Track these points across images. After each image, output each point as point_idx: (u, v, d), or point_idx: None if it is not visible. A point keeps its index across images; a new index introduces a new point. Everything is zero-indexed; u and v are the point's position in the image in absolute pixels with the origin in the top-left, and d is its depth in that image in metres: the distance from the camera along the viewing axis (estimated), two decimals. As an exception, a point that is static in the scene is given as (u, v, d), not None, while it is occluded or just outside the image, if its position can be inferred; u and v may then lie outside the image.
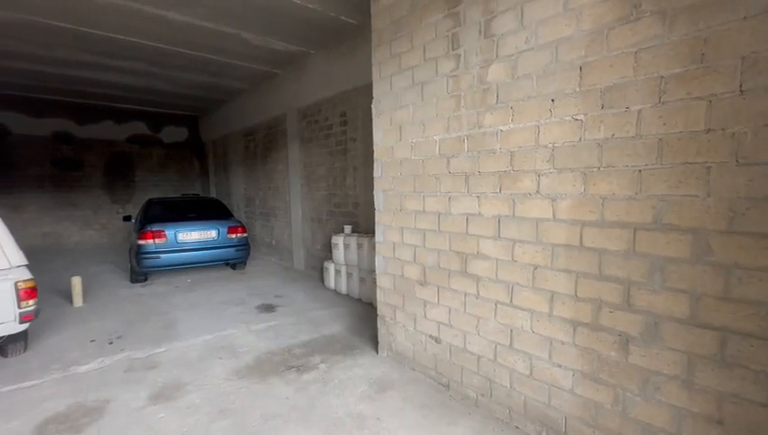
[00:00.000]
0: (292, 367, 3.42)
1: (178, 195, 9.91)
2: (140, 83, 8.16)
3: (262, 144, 8.47)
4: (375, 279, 4.73)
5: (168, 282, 6.44)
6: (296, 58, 6.65)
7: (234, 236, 6.63)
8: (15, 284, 3.12)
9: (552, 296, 2.26)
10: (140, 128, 11.24)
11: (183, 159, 12.16)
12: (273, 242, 8.35)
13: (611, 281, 2.00)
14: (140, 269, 6.03)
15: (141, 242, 5.88)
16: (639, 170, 1.87)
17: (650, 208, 1.85)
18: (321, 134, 6.47)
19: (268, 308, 5.06)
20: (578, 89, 2.07)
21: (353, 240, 5.34)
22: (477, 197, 2.64)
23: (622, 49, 1.89)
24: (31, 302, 3.22)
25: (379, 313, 3.62)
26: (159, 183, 11.64)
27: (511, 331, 2.51)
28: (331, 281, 5.87)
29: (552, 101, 2.18)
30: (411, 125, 3.09)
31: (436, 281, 3.01)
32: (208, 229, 6.41)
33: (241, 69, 7.24)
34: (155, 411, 2.79)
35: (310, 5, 4.66)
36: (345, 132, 5.91)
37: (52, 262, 8.05)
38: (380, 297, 3.58)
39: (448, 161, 2.82)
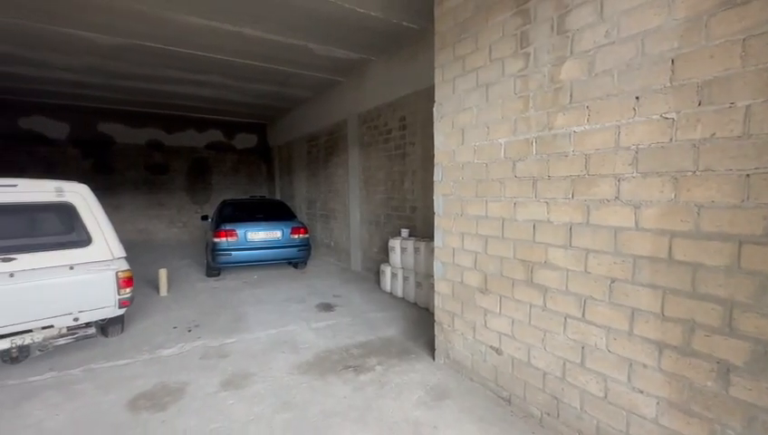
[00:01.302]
0: (350, 367, 3.49)
1: (247, 197, 10.68)
2: (218, 95, 8.96)
3: (323, 149, 8.83)
4: (432, 284, 4.68)
5: (237, 277, 6.94)
6: (357, 65, 6.83)
7: (296, 236, 6.97)
8: (116, 273, 3.57)
9: (633, 313, 2.05)
10: (217, 135, 12.33)
11: (252, 164, 13.10)
12: (332, 243, 8.64)
13: (708, 300, 1.76)
14: (215, 265, 6.58)
15: (216, 240, 6.43)
16: (747, 175, 1.62)
17: (761, 219, 1.59)
18: (380, 139, 6.57)
19: (327, 307, 5.23)
20: (668, 84, 1.86)
21: (410, 244, 5.33)
22: (546, 202, 2.48)
23: (726, 37, 1.66)
24: (128, 290, 3.66)
25: (436, 319, 3.56)
26: (232, 186, 12.65)
27: (582, 348, 2.32)
28: (386, 284, 5.91)
29: (637, 98, 1.98)
30: (474, 128, 3.01)
31: (499, 289, 2.88)
32: (274, 229, 6.82)
33: (306, 78, 7.62)
34: (225, 398, 3.01)
35: (372, 13, 4.77)
36: (404, 137, 5.94)
37: (143, 255, 9.09)
38: (438, 303, 3.52)
39: (514, 165, 2.69)
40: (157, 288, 5.89)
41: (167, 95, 8.96)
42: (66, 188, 3.52)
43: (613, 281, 2.13)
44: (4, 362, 3.24)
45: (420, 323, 4.57)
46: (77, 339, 3.51)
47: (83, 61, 6.50)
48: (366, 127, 6.99)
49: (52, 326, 3.30)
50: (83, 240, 3.52)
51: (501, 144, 2.79)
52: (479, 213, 3.01)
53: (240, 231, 6.54)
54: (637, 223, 2.02)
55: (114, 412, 2.81)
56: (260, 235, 6.71)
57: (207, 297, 5.72)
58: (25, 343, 3.18)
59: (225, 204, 7.55)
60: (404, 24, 5.09)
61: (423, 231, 5.55)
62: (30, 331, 3.20)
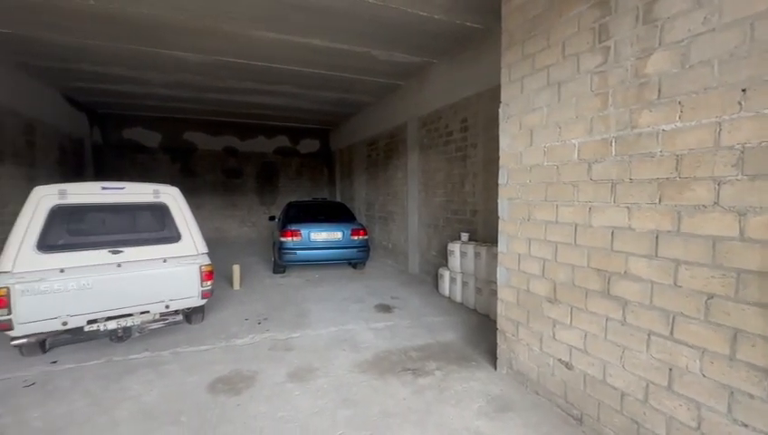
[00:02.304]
0: (409, 369, 3.50)
1: (310, 199, 11.22)
2: (287, 103, 9.55)
3: (383, 152, 8.98)
4: (493, 290, 4.53)
5: (300, 275, 7.31)
6: (418, 69, 6.86)
7: (356, 237, 7.17)
8: (200, 267, 3.97)
9: (736, 335, 1.80)
10: (284, 141, 13.14)
11: (315, 168, 13.74)
12: (390, 245, 8.74)
13: (839, 326, 1.49)
14: (281, 262, 7.01)
15: (282, 239, 6.84)
16: None
17: None
18: (440, 141, 6.52)
19: (385, 308, 5.30)
20: (786, 73, 1.61)
21: (470, 248, 5.21)
22: (627, 208, 2.28)
23: None
24: (209, 282, 4.05)
25: (498, 327, 3.44)
26: (296, 188, 13.39)
27: (670, 370, 2.09)
28: (445, 288, 5.83)
29: (743, 91, 1.75)
30: (544, 129, 2.87)
31: (570, 300, 2.70)
32: (335, 231, 7.08)
33: (368, 83, 7.83)
34: (291, 389, 3.18)
35: (436, 16, 4.76)
36: (465, 139, 5.84)
37: (217, 251, 9.96)
38: (501, 311, 3.39)
39: (590, 167, 2.51)
40: (230, 282, 6.41)
41: (241, 105, 9.76)
42: (161, 190, 4.00)
43: (710, 297, 1.89)
44: (112, 340, 3.76)
45: (480, 330, 4.45)
46: (167, 324, 3.97)
47: (176, 77, 7.33)
48: (426, 130, 6.98)
49: (148, 312, 3.76)
50: (174, 236, 3.97)
51: (574, 145, 2.62)
52: (548, 218, 2.86)
53: (304, 231, 6.89)
54: (741, 232, 1.77)
55: (197, 393, 3.11)
56: (322, 235, 7.01)
57: (274, 293, 6.10)
58: (128, 325, 3.66)
59: (290, 205, 8.01)
60: (467, 24, 5.01)
61: (484, 235, 5.39)
62: (131, 315, 3.68)
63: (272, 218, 9.01)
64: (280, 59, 6.40)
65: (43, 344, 3.57)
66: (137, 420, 2.74)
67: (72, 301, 3.35)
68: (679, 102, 2.00)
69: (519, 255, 3.16)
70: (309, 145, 13.57)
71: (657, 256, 2.13)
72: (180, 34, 5.34)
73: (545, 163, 2.87)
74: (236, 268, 6.31)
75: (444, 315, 5.01)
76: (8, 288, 3.09)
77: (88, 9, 4.55)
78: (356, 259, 7.37)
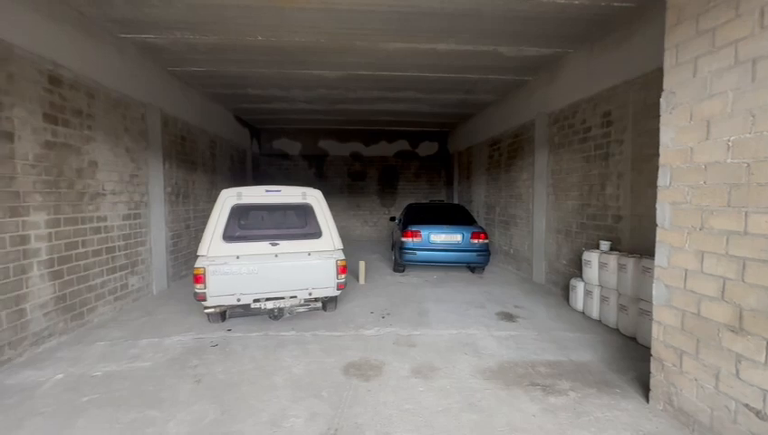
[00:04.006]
0: (537, 385, 3.27)
1: (427, 201, 11.41)
2: (409, 108, 9.93)
3: (506, 153, 8.56)
4: (643, 310, 3.90)
5: (419, 275, 7.51)
6: (549, 61, 6.33)
7: (476, 241, 7.01)
8: (336, 261, 4.46)
9: None
10: (404, 145, 13.67)
11: (433, 170, 13.92)
12: (512, 251, 8.27)
13: None
14: (401, 261, 7.32)
15: (403, 239, 7.13)
16: None
17: None
18: (574, 139, 5.90)
19: (508, 317, 5.06)
20: None
21: (612, 259, 4.57)
22: None
23: None
24: (342, 276, 4.51)
25: (653, 353, 2.94)
26: (414, 191, 13.78)
27: None
28: (577, 301, 5.24)
29: None
30: (728, 118, 2.34)
31: (764, 332, 2.15)
32: (455, 233, 7.06)
33: (492, 82, 7.57)
34: (415, 384, 3.30)
35: (576, 1, 4.33)
36: (608, 134, 5.15)
37: (344, 248, 10.93)
38: (657, 335, 2.89)
39: (803, 164, 1.95)
40: (356, 277, 6.98)
41: (367, 113, 10.54)
42: (308, 192, 4.64)
43: None
44: (270, 318, 4.52)
45: (624, 354, 3.87)
46: (309, 309, 4.57)
47: (316, 93, 8.35)
48: (557, 127, 6.40)
49: (296, 297, 4.39)
50: (316, 233, 4.56)
51: (777, 137, 2.07)
52: (732, 228, 2.32)
53: (424, 233, 7.05)
54: None
55: (334, 373, 3.49)
56: (442, 237, 7.07)
57: (395, 290, 6.41)
58: (281, 306, 4.34)
59: (411, 207, 8.29)
60: (615, 4, 4.41)
61: (630, 245, 4.67)
62: (283, 298, 4.35)
63: (392, 219, 9.48)
64: (404, 67, 6.69)
65: (223, 315, 4.52)
66: (289, 387, 3.23)
67: (244, 282, 4.15)
68: None
69: (685, 270, 2.65)
70: (427, 148, 13.82)
71: None
72: (321, 55, 6.07)
73: (729, 161, 2.34)
74: (362, 264, 6.84)
75: (577, 331, 4.52)
76: (204, 268, 4.00)
77: (256, 43, 5.55)
78: (475, 263, 7.21)
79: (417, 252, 7.01)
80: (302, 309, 4.50)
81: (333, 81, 7.45)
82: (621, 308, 4.45)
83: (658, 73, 2.98)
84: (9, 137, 3.57)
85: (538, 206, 6.97)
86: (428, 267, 8.02)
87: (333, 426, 2.70)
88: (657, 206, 2.87)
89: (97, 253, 4.77)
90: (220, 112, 9.41)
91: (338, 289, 4.51)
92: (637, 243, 4.56)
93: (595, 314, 4.91)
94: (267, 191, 4.53)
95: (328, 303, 4.88)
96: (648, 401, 2.98)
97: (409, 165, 13.81)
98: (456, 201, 12.43)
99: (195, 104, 7.82)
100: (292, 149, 13.38)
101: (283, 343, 4.15)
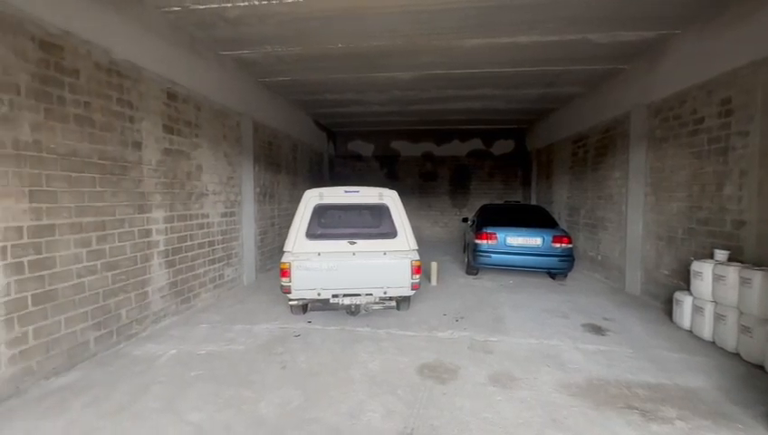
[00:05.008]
0: (635, 408, 2.93)
1: (502, 202, 10.92)
2: (484, 106, 9.60)
3: (593, 149, 7.83)
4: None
5: (493, 279, 7.22)
6: (649, 46, 5.63)
7: (558, 245, 6.52)
8: (411, 262, 4.49)
9: None
10: (477, 144, 13.26)
11: (508, 169, 13.28)
12: (599, 257, 7.54)
13: None
14: (474, 264, 7.11)
15: (477, 241, 6.92)
16: None
17: None
18: (681, 132, 5.17)
19: (596, 329, 4.62)
20: None
21: (732, 272, 3.91)
22: None
23: None
24: (417, 276, 4.52)
25: (792, 387, 2.45)
26: (487, 191, 13.29)
27: None
28: (683, 318, 4.59)
29: None
30: None
31: None
32: (534, 236, 6.65)
33: (577, 73, 6.98)
34: (493, 392, 3.18)
35: (687, -25, 3.79)
36: (727, 125, 4.42)
37: (415, 248, 10.97)
38: (799, 365, 2.40)
39: None
40: (428, 278, 6.95)
41: (440, 112, 10.42)
42: (384, 193, 4.75)
43: None
44: (347, 313, 4.72)
45: (748, 384, 3.29)
46: (384, 308, 4.67)
47: (390, 95, 8.51)
48: (659, 119, 5.66)
49: (371, 295, 4.51)
50: (392, 233, 4.64)
51: None
52: None
53: (500, 235, 6.76)
54: None
55: (408, 372, 3.52)
56: (519, 240, 6.71)
57: (468, 293, 6.25)
58: (358, 303, 4.50)
59: (485, 208, 8.01)
60: (740, -27, 3.77)
61: (756, 255, 3.96)
62: (359, 295, 4.50)
63: (464, 220, 9.26)
64: (480, 63, 6.48)
65: (305, 307, 4.84)
66: (365, 382, 3.33)
67: (324, 278, 4.38)
68: None
69: (843, 290, 2.15)
70: (503, 146, 13.23)
71: None
72: (397, 57, 6.15)
73: None
74: (434, 265, 6.79)
75: (682, 352, 3.96)
76: (290, 263, 4.32)
77: (336, 51, 5.82)
78: (557, 269, 6.71)
79: (492, 255, 6.75)
80: (377, 307, 4.61)
81: (407, 82, 7.50)
82: (744, 330, 3.79)
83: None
84: (138, 146, 4.23)
85: (633, 208, 6.25)
86: (503, 271, 7.66)
87: (410, 425, 2.72)
88: (801, 210, 2.38)
89: (201, 246, 5.43)
90: (301, 118, 10.06)
91: (412, 289, 4.54)
92: (766, 253, 3.85)
93: (707, 334, 4.25)
94: (346, 192, 4.74)
95: (402, 302, 4.94)
96: (783, 443, 2.50)
97: (483, 164, 13.35)
98: (533, 202, 11.71)
99: (280, 111, 8.48)
100: (366, 151, 13.78)
101: (358, 338, 4.30)
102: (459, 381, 3.35)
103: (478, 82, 7.56)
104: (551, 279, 7.19)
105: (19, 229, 3.02)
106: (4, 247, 2.92)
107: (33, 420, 2.75)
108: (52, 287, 3.29)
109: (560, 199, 9.71)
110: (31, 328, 3.12)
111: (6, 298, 2.94)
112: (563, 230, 6.85)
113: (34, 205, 3.13)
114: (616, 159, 6.89)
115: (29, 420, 2.74)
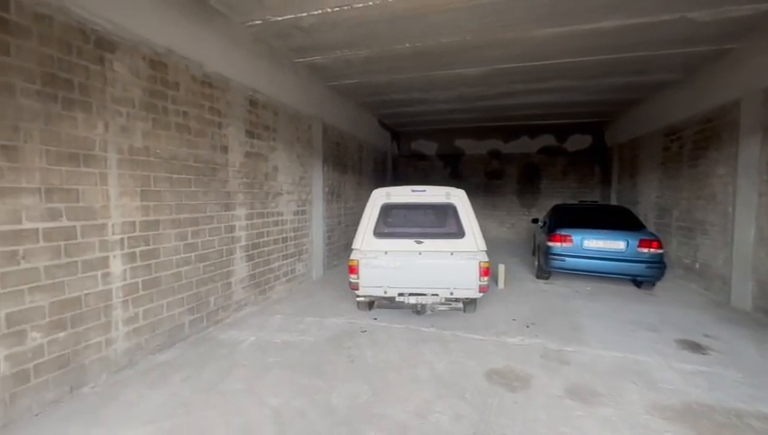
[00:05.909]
0: (749, 442, 2.53)
1: (577, 202, 10.11)
2: (557, 99, 8.96)
3: (690, 143, 6.90)
4: None
5: (567, 284, 6.72)
6: (765, 22, 4.80)
7: (646, 250, 5.87)
8: (479, 263, 4.35)
9: None
10: (549, 140, 12.45)
11: (584, 167, 12.27)
12: (696, 265, 6.63)
13: None
14: (546, 268, 6.68)
15: (550, 244, 6.48)
16: None
17: None
18: (812, 119, 4.34)
19: (694, 347, 4.08)
20: None
21: None
22: None
23: None
24: (485, 278, 4.37)
25: None
26: (560, 190, 12.41)
27: None
28: (813, 341, 3.85)
29: None
30: None
31: None
32: (617, 240, 6.06)
33: (671, 57, 6.19)
34: (572, 407, 2.96)
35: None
36: None
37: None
38: None
39: None
40: (495, 280, 6.68)
41: (507, 108, 9.94)
42: (451, 192, 4.67)
43: None
44: (413, 312, 4.74)
45: None
46: (450, 309, 4.59)
47: (456, 92, 8.33)
48: (780, 105, 4.81)
49: (437, 295, 4.46)
50: (459, 233, 4.55)
51: None
52: None
53: (576, 237, 6.27)
54: None
55: (476, 376, 3.42)
56: (598, 243, 6.16)
57: (539, 298, 5.89)
58: (423, 302, 4.49)
59: (558, 208, 7.49)
60: None
61: None
62: (425, 295, 4.47)
63: (534, 221, 8.76)
64: (554, 54, 6.04)
65: (371, 304, 4.95)
66: (432, 383, 3.31)
67: (390, 276, 4.44)
68: None
69: None
70: (578, 142, 12.26)
71: None
72: (464, 53, 5.99)
73: None
74: (502, 268, 6.51)
75: (813, 382, 3.33)
76: (358, 260, 4.45)
77: (403, 51, 5.85)
78: (644, 277, 6.04)
79: (567, 258, 6.28)
80: (443, 307, 4.55)
81: (475, 78, 7.28)
82: None
83: None
84: (225, 150, 4.66)
85: (743, 209, 5.40)
86: (578, 277, 7.10)
87: (479, 432, 2.64)
88: None
89: (276, 242, 5.82)
90: (366, 118, 10.29)
91: (480, 291, 4.40)
92: None
93: None
94: (413, 191, 4.74)
95: (468, 304, 4.81)
96: None
97: (555, 161, 12.50)
98: (613, 202, 10.69)
99: (347, 113, 8.76)
100: (429, 150, 13.68)
101: (424, 338, 4.28)
102: (532, 391, 3.18)
103: (552, 75, 7.07)
104: (635, 287, 6.50)
105: (133, 224, 3.50)
106: (122, 239, 3.41)
107: (144, 388, 3.17)
108: (157, 275, 3.77)
109: (647, 199, 8.73)
110: (141, 309, 3.61)
111: (123, 283, 3.42)
112: (652, 233, 6.14)
113: (144, 203, 3.60)
114: (720, 153, 6.00)
115: (140, 389, 3.16)
